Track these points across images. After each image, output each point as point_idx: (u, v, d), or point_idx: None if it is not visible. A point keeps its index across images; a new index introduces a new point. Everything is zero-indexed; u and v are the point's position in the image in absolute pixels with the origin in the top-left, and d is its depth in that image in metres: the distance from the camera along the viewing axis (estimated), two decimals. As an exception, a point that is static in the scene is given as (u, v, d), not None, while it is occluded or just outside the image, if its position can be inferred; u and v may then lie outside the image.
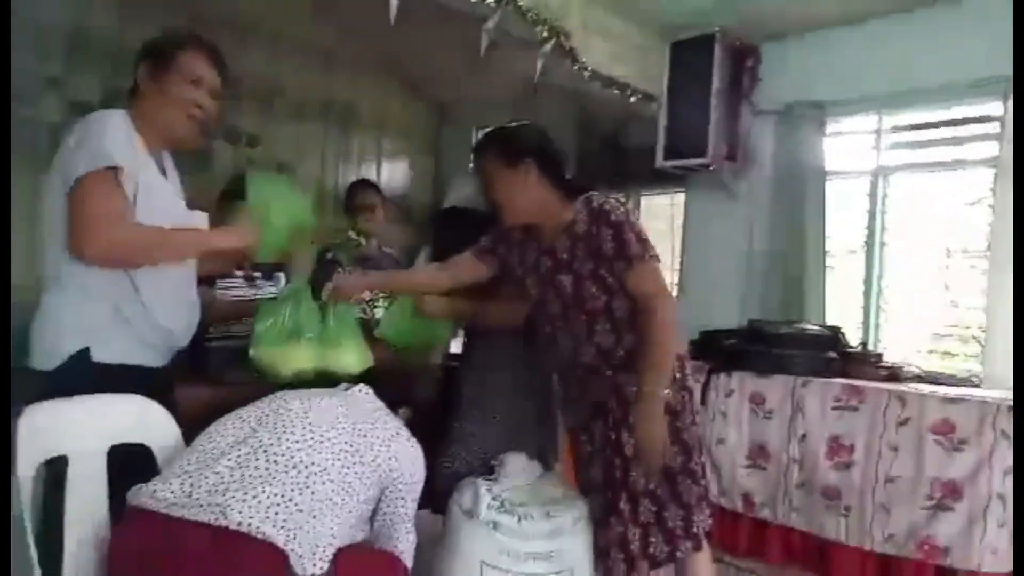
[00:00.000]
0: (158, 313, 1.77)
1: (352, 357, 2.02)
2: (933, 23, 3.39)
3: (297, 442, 1.47)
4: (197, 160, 4.62)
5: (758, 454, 2.96)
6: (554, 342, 2.13)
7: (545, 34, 3.34)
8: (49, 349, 1.71)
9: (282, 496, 1.38)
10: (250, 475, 1.39)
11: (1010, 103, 3.06)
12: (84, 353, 1.70)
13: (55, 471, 1.54)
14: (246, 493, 1.36)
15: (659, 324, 1.92)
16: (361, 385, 1.82)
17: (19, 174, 3.95)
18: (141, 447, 1.66)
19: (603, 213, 1.95)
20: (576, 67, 3.52)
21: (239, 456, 1.44)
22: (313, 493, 1.42)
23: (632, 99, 3.84)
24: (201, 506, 1.34)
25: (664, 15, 3.76)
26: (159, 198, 1.80)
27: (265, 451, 1.44)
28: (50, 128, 4.15)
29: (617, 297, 1.99)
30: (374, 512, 1.64)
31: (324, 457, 1.48)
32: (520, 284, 2.16)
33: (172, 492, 1.38)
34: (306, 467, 1.44)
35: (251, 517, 1.33)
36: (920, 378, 2.92)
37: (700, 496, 2.07)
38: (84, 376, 1.68)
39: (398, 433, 1.69)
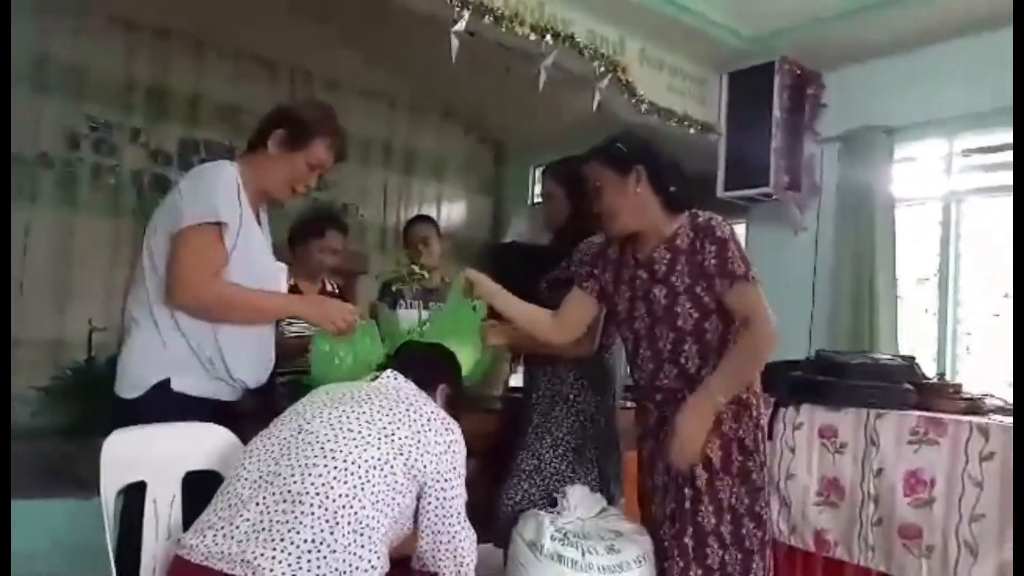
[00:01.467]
0: (232, 365, 1.85)
1: None
2: (1004, 42, 3.30)
3: (321, 475, 1.41)
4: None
5: (831, 490, 2.84)
6: (635, 363, 2.07)
7: (602, 69, 3.40)
8: (134, 380, 1.81)
9: (312, 540, 1.34)
10: (278, 521, 1.36)
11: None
12: (165, 383, 1.80)
13: (135, 495, 1.60)
14: (275, 547, 1.33)
15: (751, 338, 1.87)
16: (388, 372, 1.72)
17: (100, 219, 4.23)
18: (215, 474, 1.71)
19: (709, 229, 1.93)
20: (633, 100, 3.55)
21: (265, 500, 1.40)
22: (347, 525, 1.38)
23: (691, 130, 3.84)
24: (234, 561, 1.33)
25: (722, 46, 3.77)
26: (255, 250, 1.90)
27: (290, 491, 1.40)
28: (132, 175, 4.40)
29: (710, 319, 1.94)
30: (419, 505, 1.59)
31: (351, 486, 1.42)
32: (610, 301, 2.11)
33: (206, 545, 1.37)
34: (333, 501, 1.38)
35: (283, 573, 1.31)
36: (1004, 410, 2.76)
37: (762, 542, 1.99)
38: (165, 405, 1.77)
39: (429, 420, 1.60)
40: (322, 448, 1.46)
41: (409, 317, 2.99)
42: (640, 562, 1.99)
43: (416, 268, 2.95)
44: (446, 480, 1.57)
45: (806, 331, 3.84)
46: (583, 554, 1.96)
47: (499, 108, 5.18)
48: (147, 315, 1.82)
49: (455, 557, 1.59)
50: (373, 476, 1.45)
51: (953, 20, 3.36)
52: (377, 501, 1.44)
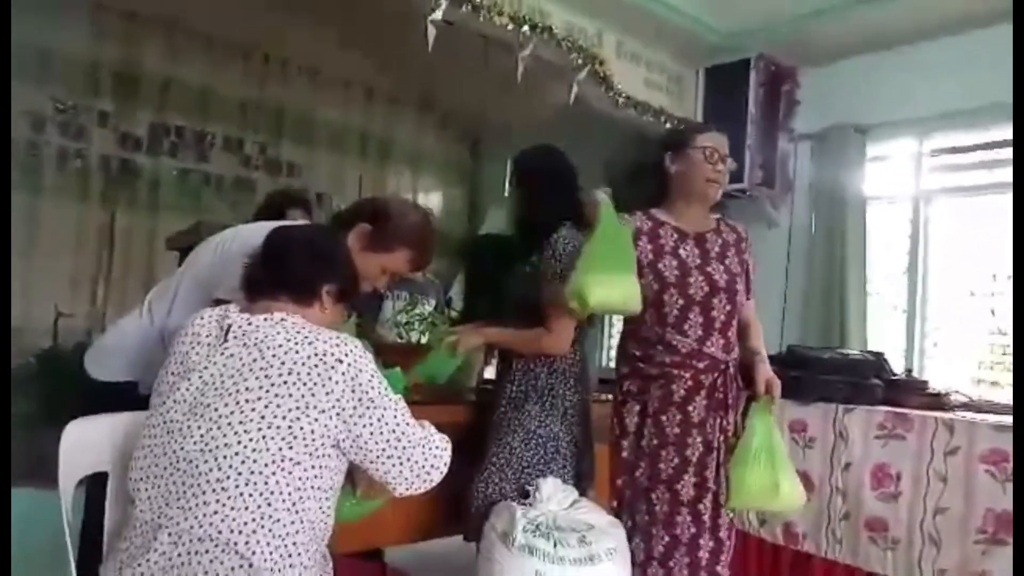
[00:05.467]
0: None
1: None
2: (976, 45, 3.35)
3: (217, 512, 1.27)
4: (241, 189, 4.77)
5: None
6: (680, 329, 2.04)
7: (580, 61, 3.39)
8: (117, 364, 1.80)
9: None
10: (183, 563, 1.26)
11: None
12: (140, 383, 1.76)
13: (99, 485, 1.56)
14: None
15: (759, 329, 2.23)
16: (236, 324, 1.41)
17: (66, 203, 4.12)
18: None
19: (749, 242, 2.19)
20: (610, 94, 3.55)
21: (164, 546, 1.28)
22: (267, 548, 1.27)
23: (668, 125, 3.85)
24: None
25: (698, 41, 3.78)
26: None
27: (191, 537, 1.27)
28: (100, 160, 4.30)
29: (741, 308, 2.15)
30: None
31: (254, 509, 1.27)
32: (652, 268, 2.08)
33: None
34: (241, 532, 1.26)
35: None
36: (969, 406, 2.82)
37: (729, 528, 2.09)
38: (135, 391, 1.73)
39: (311, 372, 1.34)
40: (207, 481, 1.28)
41: (389, 309, 2.99)
42: (612, 554, 1.99)
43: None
44: (363, 417, 1.37)
45: (778, 326, 3.88)
46: (555, 546, 1.96)
47: (477, 99, 5.14)
48: (163, 316, 1.80)
49: (427, 474, 1.44)
50: (275, 481, 1.30)
51: (925, 21, 3.40)
52: (291, 506, 1.31)
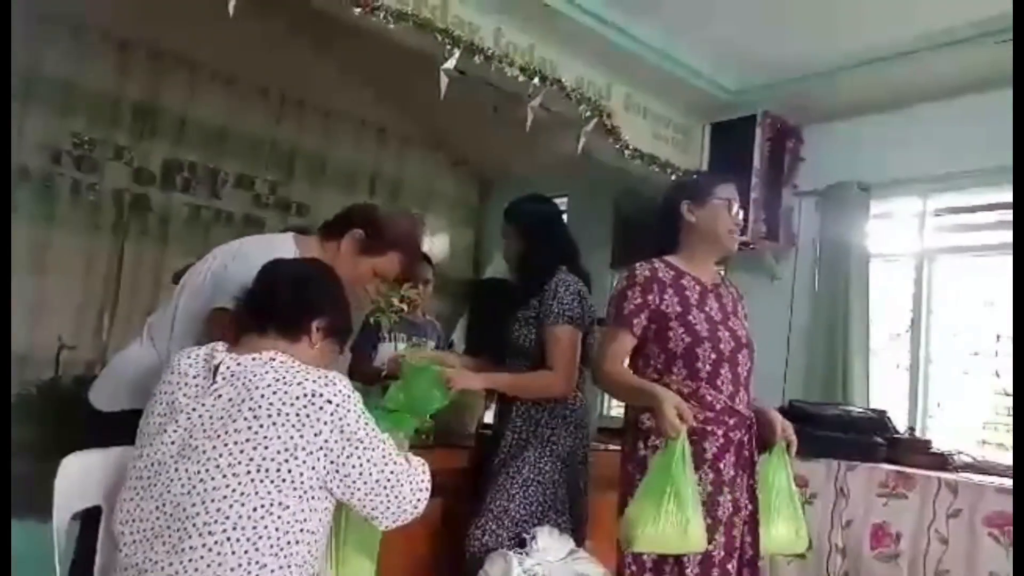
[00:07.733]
0: None
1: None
2: (980, 107, 3.40)
3: (203, 557, 1.26)
4: (250, 227, 4.81)
5: (800, 541, 2.83)
6: (714, 384, 1.98)
7: (588, 113, 3.45)
8: (121, 393, 1.79)
9: None
10: None
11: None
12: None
13: (92, 520, 1.55)
14: None
15: None
16: (224, 364, 1.39)
17: (76, 235, 4.16)
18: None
19: (744, 299, 2.17)
20: (618, 145, 3.60)
21: None
22: None
23: (673, 177, 3.89)
24: None
25: (706, 97, 3.85)
26: None
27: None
28: (113, 194, 4.36)
29: None
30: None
31: (240, 553, 1.27)
32: (681, 320, 2.00)
33: None
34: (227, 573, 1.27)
35: None
36: (973, 467, 2.79)
37: None
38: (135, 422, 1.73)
39: (299, 413, 1.33)
40: (194, 525, 1.28)
41: (388, 351, 2.97)
42: (607, 606, 1.97)
43: (395, 300, 2.93)
44: (351, 457, 1.37)
45: (780, 380, 3.86)
46: (549, 597, 1.93)
47: (486, 144, 5.23)
48: (165, 343, 1.81)
49: (414, 507, 1.47)
50: (264, 525, 1.29)
51: (929, 84, 3.46)
52: (278, 551, 1.31)
